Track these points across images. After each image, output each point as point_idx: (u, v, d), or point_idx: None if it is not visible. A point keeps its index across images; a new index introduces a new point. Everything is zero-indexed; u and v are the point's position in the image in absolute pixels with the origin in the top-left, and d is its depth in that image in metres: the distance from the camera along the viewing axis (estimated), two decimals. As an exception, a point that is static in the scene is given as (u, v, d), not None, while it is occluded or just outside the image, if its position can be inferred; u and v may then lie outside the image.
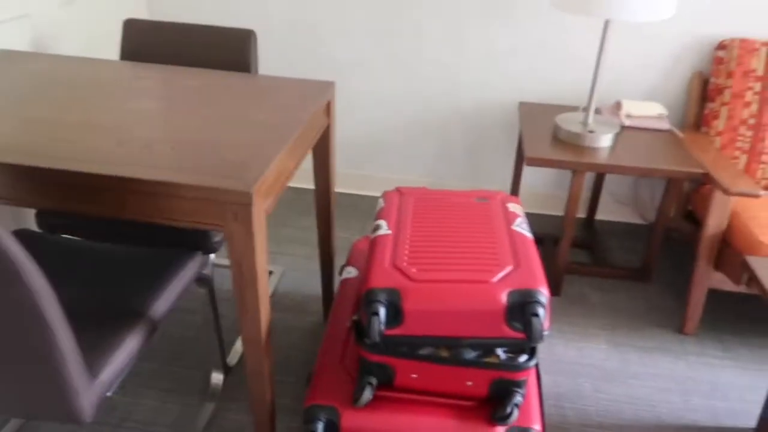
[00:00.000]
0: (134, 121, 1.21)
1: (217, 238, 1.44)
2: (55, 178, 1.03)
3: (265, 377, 1.20)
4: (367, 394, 1.20)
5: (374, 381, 1.21)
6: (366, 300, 1.14)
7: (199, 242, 1.41)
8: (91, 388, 0.99)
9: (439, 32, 2.22)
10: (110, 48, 2.14)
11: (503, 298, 1.12)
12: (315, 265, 2.12)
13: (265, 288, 1.11)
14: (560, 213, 2.49)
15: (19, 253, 0.79)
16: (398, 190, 1.51)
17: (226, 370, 1.64)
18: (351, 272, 1.62)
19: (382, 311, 1.12)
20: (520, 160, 2.24)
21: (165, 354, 1.69)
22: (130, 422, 1.48)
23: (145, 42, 1.68)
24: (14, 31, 1.68)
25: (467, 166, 2.47)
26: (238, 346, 1.74)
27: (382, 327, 1.12)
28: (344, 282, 1.61)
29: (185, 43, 1.67)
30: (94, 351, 1.04)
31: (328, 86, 1.47)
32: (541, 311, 1.11)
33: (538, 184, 2.45)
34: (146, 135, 1.15)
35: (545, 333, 1.12)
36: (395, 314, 1.13)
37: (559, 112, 2.13)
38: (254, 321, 1.12)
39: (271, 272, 2.07)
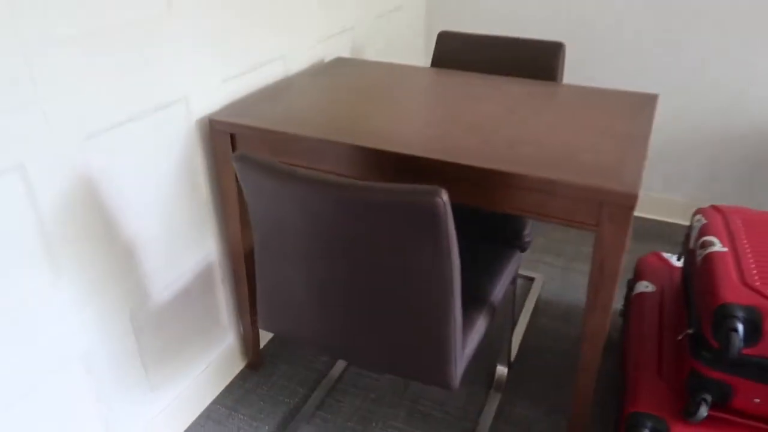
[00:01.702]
0: (487, 123, 1.33)
1: (528, 238, 1.52)
2: (430, 166, 1.17)
3: (593, 372, 1.24)
4: (703, 411, 1.18)
5: (709, 398, 1.19)
6: (721, 315, 1.13)
7: (513, 239, 1.50)
8: (462, 358, 1.11)
9: (725, 49, 2.11)
10: (410, 56, 2.36)
11: None
12: (572, 276, 2.13)
13: (615, 290, 1.15)
14: None
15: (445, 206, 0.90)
16: (714, 207, 1.47)
17: (509, 365, 1.71)
18: (647, 286, 1.61)
19: (740, 328, 1.10)
20: (820, 187, 2.04)
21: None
22: (425, 401, 1.62)
23: (456, 51, 1.83)
24: (343, 42, 1.94)
25: (738, 194, 2.31)
26: (515, 344, 1.81)
27: (742, 344, 1.10)
28: (640, 296, 1.60)
29: (493, 54, 1.79)
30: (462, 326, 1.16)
31: (652, 98, 1.48)
32: None
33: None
34: (507, 135, 1.26)
35: None
36: (753, 332, 1.11)
37: None
38: (602, 318, 1.17)
39: (532, 279, 2.12)
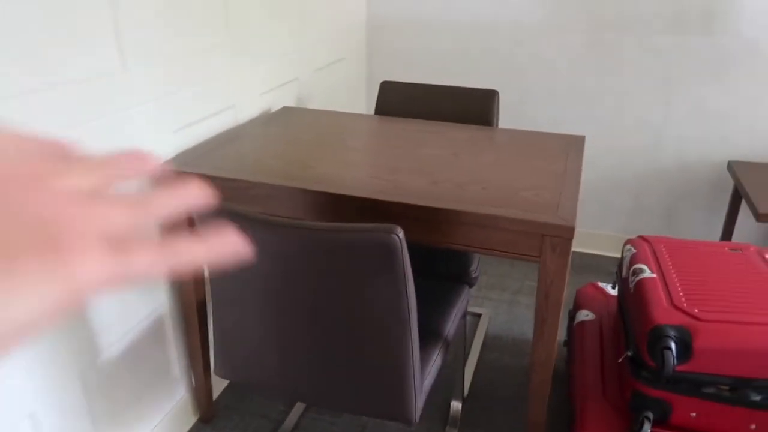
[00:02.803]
0: (434, 165, 1.41)
1: (476, 273, 1.59)
2: (383, 208, 1.23)
3: (544, 401, 1.30)
4: (646, 429, 1.26)
5: (651, 416, 1.27)
6: (654, 336, 1.22)
7: (462, 275, 1.57)
8: (421, 392, 1.15)
9: (643, 91, 2.32)
10: (353, 105, 2.45)
11: (801, 342, 1.15)
12: (517, 310, 2.22)
13: (560, 317, 1.23)
14: None
15: (401, 242, 0.96)
16: (642, 237, 1.60)
17: (463, 400, 1.75)
18: (587, 315, 1.71)
19: (673, 347, 1.20)
20: (732, 219, 2.24)
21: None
22: (382, 440, 1.63)
23: (398, 100, 1.93)
24: (288, 92, 2.01)
25: (663, 224, 2.50)
26: (467, 379, 1.85)
27: (675, 361, 1.19)
28: (581, 325, 1.69)
29: (433, 102, 1.90)
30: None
31: (580, 140, 1.61)
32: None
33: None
34: (453, 177, 1.34)
35: None
36: (684, 351, 1.20)
37: (777, 170, 2.13)
38: (548, 346, 1.24)
39: (479, 315, 2.19)
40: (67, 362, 1.23)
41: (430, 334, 1.30)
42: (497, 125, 1.88)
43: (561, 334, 2.06)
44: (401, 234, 0.94)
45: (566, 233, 1.12)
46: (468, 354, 1.96)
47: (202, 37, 1.51)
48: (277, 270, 1.01)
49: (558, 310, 1.20)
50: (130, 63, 1.27)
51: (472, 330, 2.11)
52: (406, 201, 1.21)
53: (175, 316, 1.55)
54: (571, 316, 1.82)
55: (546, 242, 1.15)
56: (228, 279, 1.10)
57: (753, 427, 1.22)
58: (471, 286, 1.58)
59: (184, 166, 1.37)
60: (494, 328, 2.13)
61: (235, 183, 1.32)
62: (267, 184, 1.30)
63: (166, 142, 1.43)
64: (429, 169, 1.39)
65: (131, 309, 1.39)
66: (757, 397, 1.21)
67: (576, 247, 2.66)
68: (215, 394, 1.77)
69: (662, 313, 1.25)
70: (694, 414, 1.25)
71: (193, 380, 1.65)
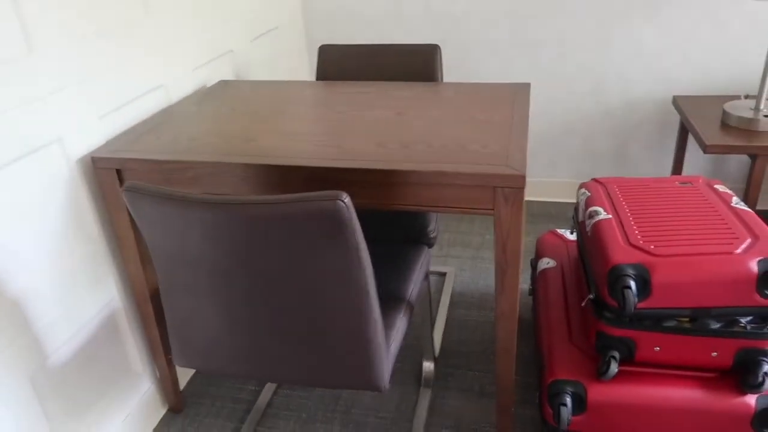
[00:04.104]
0: (379, 127, 1.36)
1: (434, 233, 1.57)
2: (330, 175, 1.18)
3: (512, 353, 1.30)
4: (613, 368, 1.27)
5: (617, 355, 1.28)
6: (613, 276, 1.22)
7: (420, 237, 1.54)
8: (388, 357, 1.13)
9: (583, 36, 2.30)
10: (295, 72, 2.36)
11: (753, 266, 1.17)
12: (481, 265, 2.22)
13: (520, 267, 1.22)
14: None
15: (348, 208, 0.92)
16: (595, 180, 1.60)
17: (435, 360, 1.75)
18: (549, 263, 1.71)
19: (632, 284, 1.20)
20: (681, 153, 2.26)
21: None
22: (357, 410, 1.62)
23: (339, 63, 1.86)
24: (224, 65, 1.91)
25: (614, 165, 2.52)
26: (437, 339, 1.85)
27: (636, 299, 1.20)
28: (544, 273, 1.69)
29: (375, 62, 1.84)
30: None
31: (525, 87, 1.59)
32: (794, 277, 1.15)
33: (693, 177, 2.46)
34: (399, 137, 1.30)
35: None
36: (643, 288, 1.21)
37: (719, 102, 2.15)
38: (511, 298, 1.22)
39: (444, 273, 2.19)
40: (15, 370, 1.16)
41: (392, 299, 1.27)
42: (441, 80, 1.84)
43: (525, 283, 2.07)
44: (347, 199, 0.90)
45: (517, 182, 1.10)
46: (436, 314, 1.95)
47: (120, 13, 1.41)
48: (221, 251, 0.96)
49: (517, 261, 1.18)
50: (38, 45, 1.17)
51: (438, 289, 2.10)
52: (353, 166, 1.17)
53: (130, 308, 1.48)
54: (533, 264, 1.82)
55: (498, 194, 1.12)
56: (172, 265, 1.04)
57: (714, 354, 1.24)
58: (430, 246, 1.56)
59: (116, 153, 1.29)
60: (460, 286, 2.13)
61: (171, 165, 1.25)
62: (206, 162, 1.23)
63: (92, 130, 1.33)
64: (374, 131, 1.34)
65: (78, 306, 1.32)
66: (716, 325, 1.23)
67: (532, 196, 2.67)
68: (182, 383, 1.72)
69: (620, 253, 1.25)
70: (657, 348, 1.26)
71: (157, 372, 1.60)
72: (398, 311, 1.25)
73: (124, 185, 0.95)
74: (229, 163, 1.22)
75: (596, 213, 1.42)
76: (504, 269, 1.20)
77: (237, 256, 0.96)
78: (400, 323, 1.23)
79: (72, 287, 1.30)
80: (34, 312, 1.20)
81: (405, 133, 1.32)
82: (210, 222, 0.92)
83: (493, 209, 1.14)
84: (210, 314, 1.07)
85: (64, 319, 1.28)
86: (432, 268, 2.21)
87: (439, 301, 2.03)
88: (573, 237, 1.81)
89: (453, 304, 2.02)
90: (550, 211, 2.57)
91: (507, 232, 1.15)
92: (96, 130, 1.34)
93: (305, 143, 1.30)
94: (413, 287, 1.34)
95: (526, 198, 2.65)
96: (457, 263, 2.26)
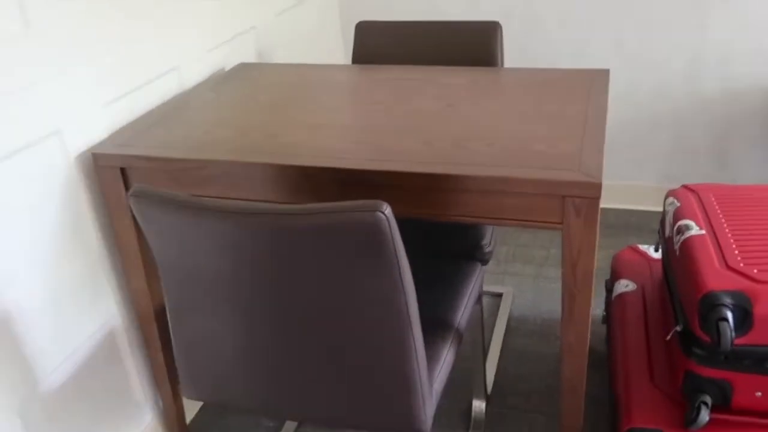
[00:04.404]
0: (426, 121, 1.38)
1: (489, 248, 1.57)
2: (366, 178, 1.20)
3: (580, 394, 1.30)
4: (704, 416, 1.25)
5: (708, 400, 1.27)
6: (707, 305, 1.20)
7: (472, 252, 1.55)
8: (431, 396, 1.14)
9: (674, 8, 2.27)
10: (328, 54, 2.40)
11: None
12: (545, 285, 2.21)
13: (592, 292, 1.21)
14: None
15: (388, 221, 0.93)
16: (686, 187, 1.58)
17: (487, 398, 1.76)
18: (627, 285, 1.70)
19: (729, 316, 1.18)
20: (795, 152, 2.21)
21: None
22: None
23: (379, 43, 1.89)
24: (245, 45, 1.96)
25: (711, 167, 2.47)
26: (490, 373, 1.85)
27: (733, 334, 1.18)
28: (621, 297, 1.68)
29: (422, 43, 1.86)
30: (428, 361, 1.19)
31: (603, 74, 1.58)
32: None
33: (811, 182, 2.39)
34: (451, 134, 1.31)
35: None
36: (742, 320, 1.19)
37: None
38: (580, 329, 1.22)
39: (500, 294, 2.19)
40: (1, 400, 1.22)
41: (437, 327, 1.28)
42: (502, 65, 1.84)
43: (598, 308, 2.06)
44: (388, 210, 0.91)
45: (592, 191, 1.10)
46: (489, 343, 1.95)
47: (129, -14, 1.46)
48: (239, 266, 0.99)
49: (589, 284, 1.18)
50: (35, 22, 1.23)
51: (493, 313, 2.10)
52: (393, 168, 1.18)
53: (132, 329, 1.53)
54: (608, 287, 1.81)
55: (568, 205, 1.12)
56: (183, 282, 1.08)
57: (832, 404, 1.22)
58: (485, 263, 1.56)
59: (119, 148, 1.34)
60: (519, 309, 2.12)
61: (182, 163, 1.29)
62: (221, 161, 1.27)
63: (96, 120, 1.39)
64: (420, 126, 1.36)
65: (73, 325, 1.38)
66: (836, 369, 1.20)
67: (609, 203, 2.64)
68: (189, 415, 1.77)
69: (715, 277, 1.23)
70: (759, 393, 1.24)
71: (160, 402, 1.65)
72: (445, 341, 1.26)
73: (131, 189, 0.99)
74: (247, 162, 1.25)
75: (687, 228, 1.41)
76: (573, 294, 1.19)
77: (258, 274, 0.99)
78: (447, 355, 1.24)
79: (66, 303, 1.35)
80: (22, 332, 1.26)
81: (457, 128, 1.33)
82: (229, 234, 0.95)
83: (561, 223, 1.14)
84: (225, 339, 1.11)
85: (56, 340, 1.34)
86: (486, 288, 2.22)
87: (493, 328, 2.03)
88: (658, 255, 1.78)
89: (510, 332, 2.02)
90: (630, 222, 2.53)
91: (578, 251, 1.15)
92: (99, 120, 1.40)
93: (337, 139, 1.32)
94: (463, 312, 1.35)
95: (602, 205, 2.63)
96: (516, 282, 2.25)
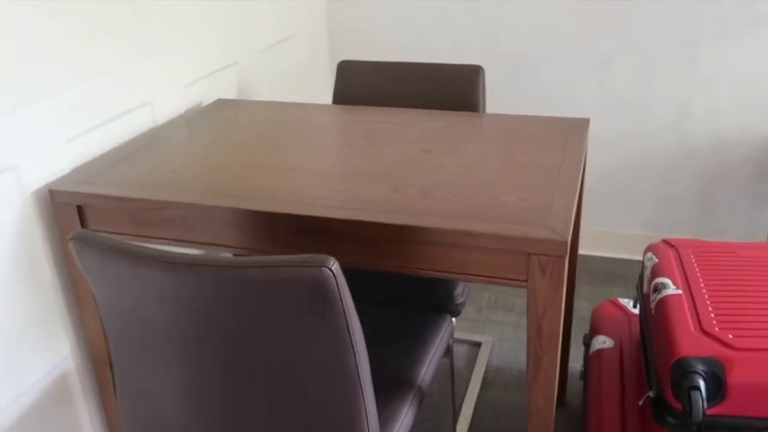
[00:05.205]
0: (396, 166, 1.34)
1: (461, 299, 1.52)
2: (329, 227, 1.16)
3: (548, 460, 1.23)
4: (676, 488, 1.19)
5: (682, 472, 1.20)
6: (679, 371, 1.15)
7: (444, 302, 1.50)
8: (384, 461, 1.08)
9: (665, 55, 2.25)
10: (314, 92, 2.38)
11: None
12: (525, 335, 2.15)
13: (558, 353, 1.16)
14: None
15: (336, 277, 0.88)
16: (666, 242, 1.53)
17: (457, 455, 1.69)
18: (605, 342, 1.64)
19: (702, 384, 1.13)
20: (783, 207, 2.17)
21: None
22: None
23: (361, 83, 1.86)
24: (225, 80, 1.93)
25: (698, 217, 2.43)
26: (463, 430, 1.78)
27: (705, 404, 1.12)
28: (598, 354, 1.62)
29: (405, 84, 1.83)
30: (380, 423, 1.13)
31: (583, 123, 1.54)
32: None
33: (800, 238, 2.35)
34: (419, 181, 1.27)
35: None
36: (716, 389, 1.14)
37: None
38: (546, 392, 1.16)
39: (479, 343, 2.13)
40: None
41: (396, 384, 1.23)
42: (484, 109, 1.81)
43: (577, 363, 1.99)
44: (335, 266, 0.87)
45: (558, 250, 1.05)
46: (464, 396, 1.89)
47: (99, 12, 1.43)
48: (181, 319, 0.94)
49: (555, 346, 1.13)
50: (-1, 59, 1.20)
51: (470, 363, 2.04)
52: (355, 217, 1.14)
53: (84, 371, 1.47)
54: (586, 342, 1.75)
55: (533, 262, 1.08)
56: (125, 331, 1.02)
57: (810, 481, 1.15)
58: (455, 315, 1.51)
59: (78, 186, 1.30)
60: (498, 360, 2.06)
61: (141, 203, 1.25)
62: (182, 203, 1.22)
63: (57, 156, 1.35)
64: (392, 172, 1.32)
65: (23, 365, 1.32)
66: (814, 444, 1.14)
67: (592, 250, 2.59)
68: (148, 463, 1.70)
69: (688, 342, 1.18)
70: (735, 467, 1.18)
71: (116, 449, 1.58)
72: (404, 400, 1.20)
73: (71, 233, 0.95)
74: (208, 205, 1.21)
75: (663, 286, 1.36)
76: (538, 356, 1.14)
77: (199, 325, 0.94)
78: (406, 415, 1.18)
79: (16, 341, 1.30)
80: (-33, 372, 1.21)
81: (429, 176, 1.29)
82: (169, 285, 0.91)
83: (526, 280, 1.10)
84: (168, 394, 1.05)
85: (4, 381, 1.28)
86: (465, 337, 2.16)
87: (469, 379, 1.97)
88: (637, 311, 1.73)
89: (487, 384, 1.96)
90: (614, 271, 2.48)
91: (542, 310, 1.10)
92: (62, 155, 1.36)
93: (304, 184, 1.28)
94: (426, 368, 1.29)
95: (586, 252, 2.58)
96: (497, 331, 2.20)
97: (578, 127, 1.53)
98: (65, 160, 1.37)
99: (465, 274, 1.13)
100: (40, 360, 1.36)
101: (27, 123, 1.27)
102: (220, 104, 1.81)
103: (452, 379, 1.57)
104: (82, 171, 1.38)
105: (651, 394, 1.25)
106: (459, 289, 1.52)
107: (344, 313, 0.90)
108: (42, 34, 1.29)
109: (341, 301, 0.89)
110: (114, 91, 1.49)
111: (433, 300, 1.50)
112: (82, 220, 1.31)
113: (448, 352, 1.53)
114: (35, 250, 1.32)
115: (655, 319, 1.31)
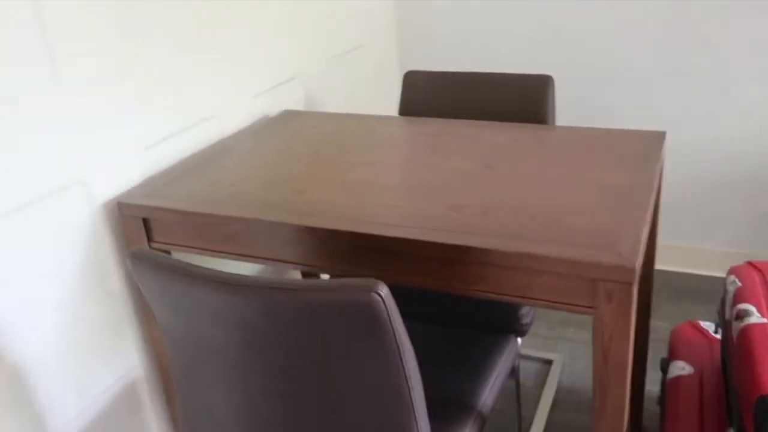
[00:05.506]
0: (456, 183, 1.30)
1: (527, 319, 1.46)
2: (387, 245, 1.13)
3: (615, 497, 1.16)
4: None
5: None
6: (763, 408, 1.06)
7: (508, 323, 1.44)
8: (439, 490, 1.04)
9: (750, 63, 2.11)
10: (382, 103, 2.37)
11: None
12: (601, 355, 2.06)
13: (627, 384, 1.09)
14: None
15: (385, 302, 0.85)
16: (751, 264, 1.43)
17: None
18: (684, 368, 1.54)
19: (789, 425, 1.03)
20: None
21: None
22: None
23: (427, 94, 1.83)
24: (292, 91, 1.94)
25: (794, 232, 2.26)
26: (529, 451, 1.72)
27: (792, 446, 1.03)
28: (676, 381, 1.52)
29: (471, 95, 1.78)
30: (436, 446, 1.10)
31: (659, 137, 1.46)
32: None
33: None
34: (479, 198, 1.23)
35: None
36: (805, 430, 1.04)
37: None
38: (614, 422, 1.10)
39: (550, 361, 2.05)
40: (8, 448, 1.20)
41: (455, 408, 1.19)
42: (553, 121, 1.75)
43: (655, 386, 1.89)
44: (384, 291, 0.84)
45: (626, 276, 0.99)
46: (534, 417, 1.82)
47: (166, 31, 1.46)
48: (233, 338, 0.94)
49: (623, 375, 1.06)
50: (64, 69, 1.23)
51: (541, 383, 1.97)
52: (412, 236, 1.11)
53: (153, 379, 1.50)
54: (664, 367, 1.65)
55: (599, 289, 1.01)
56: (184, 349, 1.03)
57: None
58: (521, 335, 1.45)
59: (144, 199, 1.32)
60: (570, 379, 1.98)
61: (202, 218, 1.26)
62: (242, 218, 1.23)
63: (127, 168, 1.39)
64: (450, 188, 1.28)
65: (92, 374, 1.35)
66: None
67: (674, 266, 2.46)
68: (212, 471, 1.72)
69: (774, 377, 1.08)
70: None
71: (181, 456, 1.61)
72: (462, 425, 1.16)
73: (128, 251, 0.96)
74: (270, 221, 1.21)
75: (747, 313, 1.26)
76: (605, 386, 1.07)
77: (249, 345, 0.93)
78: (464, 441, 1.14)
79: (85, 351, 1.33)
80: (41, 380, 1.24)
81: (489, 193, 1.25)
82: (218, 304, 0.90)
83: (592, 307, 1.03)
84: (222, 409, 1.05)
85: (73, 392, 1.32)
86: (536, 354, 2.09)
87: (539, 399, 1.90)
88: (719, 336, 1.62)
89: (557, 404, 1.88)
90: (698, 288, 2.35)
91: (609, 339, 1.04)
92: (133, 167, 1.39)
93: (364, 199, 1.26)
94: (488, 392, 1.24)
95: (666, 268, 2.46)
96: (569, 348, 2.12)
97: (654, 141, 1.44)
98: (137, 171, 1.41)
99: (527, 297, 1.08)
100: (109, 370, 1.39)
101: (98, 135, 1.31)
102: (287, 115, 1.81)
103: (518, 399, 1.51)
104: (150, 183, 1.40)
105: (732, 430, 1.16)
106: (525, 309, 1.46)
107: (394, 337, 0.87)
108: (115, 48, 1.32)
109: (391, 325, 0.86)
110: (182, 104, 1.52)
111: (497, 320, 1.45)
112: (147, 233, 1.33)
113: (513, 372, 1.48)
114: (105, 261, 1.36)
115: (737, 349, 1.22)
